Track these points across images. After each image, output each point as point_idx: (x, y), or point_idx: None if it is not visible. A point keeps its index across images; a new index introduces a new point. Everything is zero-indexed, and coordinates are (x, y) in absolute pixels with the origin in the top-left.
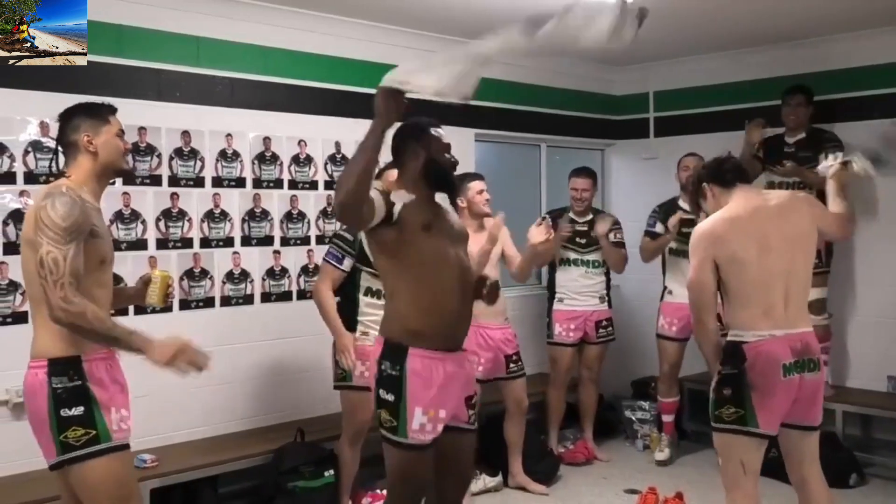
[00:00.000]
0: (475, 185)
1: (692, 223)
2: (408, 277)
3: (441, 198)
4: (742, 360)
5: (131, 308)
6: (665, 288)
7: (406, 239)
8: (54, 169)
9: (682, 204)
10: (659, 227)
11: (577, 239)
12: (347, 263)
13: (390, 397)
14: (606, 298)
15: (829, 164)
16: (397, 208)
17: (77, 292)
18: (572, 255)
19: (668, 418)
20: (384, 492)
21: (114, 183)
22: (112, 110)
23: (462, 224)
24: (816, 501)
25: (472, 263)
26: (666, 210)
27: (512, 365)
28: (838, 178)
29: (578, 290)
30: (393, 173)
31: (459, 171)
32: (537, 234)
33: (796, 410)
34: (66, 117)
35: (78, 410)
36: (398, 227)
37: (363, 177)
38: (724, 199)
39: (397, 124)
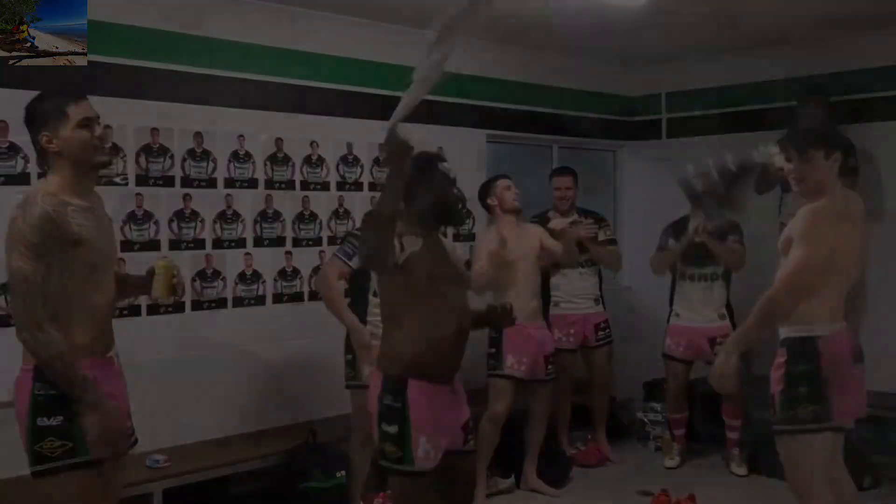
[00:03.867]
0: (502, 183)
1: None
2: (408, 312)
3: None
4: (817, 355)
5: (145, 307)
6: (672, 310)
7: (411, 285)
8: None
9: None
10: (672, 244)
11: None
12: (356, 261)
13: (393, 429)
14: (600, 300)
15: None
16: (403, 256)
17: (50, 320)
18: None
19: (679, 432)
20: None
21: (126, 183)
22: (73, 98)
23: (465, 267)
24: (849, 500)
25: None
26: (678, 228)
27: (550, 367)
28: None
29: (574, 293)
30: None
31: (466, 172)
32: (557, 223)
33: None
34: (28, 118)
35: (56, 420)
36: (403, 274)
37: (385, 230)
38: (831, 183)
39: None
